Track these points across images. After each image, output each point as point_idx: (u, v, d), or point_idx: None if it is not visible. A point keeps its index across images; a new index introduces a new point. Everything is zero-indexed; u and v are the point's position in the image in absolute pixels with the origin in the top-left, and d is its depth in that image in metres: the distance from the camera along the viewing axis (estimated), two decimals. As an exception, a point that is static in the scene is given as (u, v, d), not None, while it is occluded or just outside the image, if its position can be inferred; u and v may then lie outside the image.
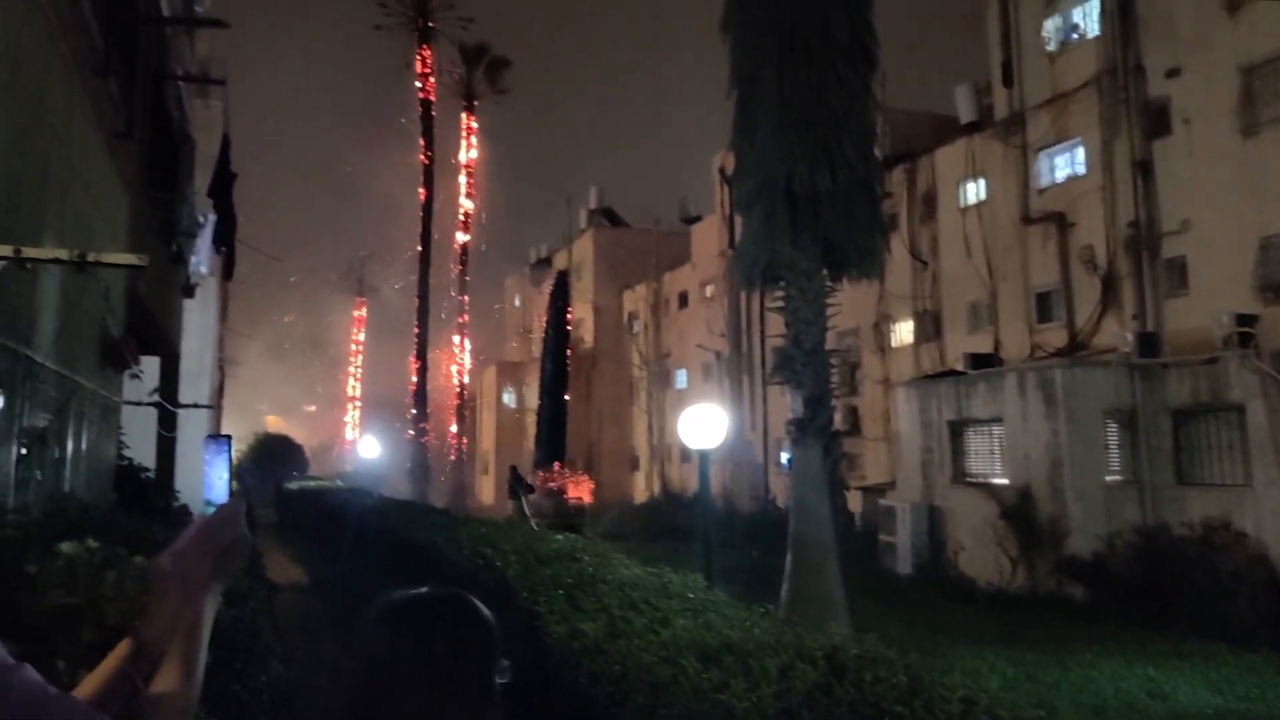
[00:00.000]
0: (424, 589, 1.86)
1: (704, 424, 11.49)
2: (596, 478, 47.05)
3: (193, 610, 1.55)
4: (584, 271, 50.08)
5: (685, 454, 40.70)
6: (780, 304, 14.99)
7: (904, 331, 29.43)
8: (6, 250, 4.47)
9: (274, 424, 67.87)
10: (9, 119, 5.84)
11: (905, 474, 22.94)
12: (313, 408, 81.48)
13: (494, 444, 54.20)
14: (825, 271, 14.80)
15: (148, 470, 12.94)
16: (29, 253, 4.74)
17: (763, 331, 34.02)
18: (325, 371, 74.35)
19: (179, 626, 1.51)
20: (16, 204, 6.08)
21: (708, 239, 41.51)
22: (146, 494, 12.03)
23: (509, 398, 55.27)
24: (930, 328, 28.26)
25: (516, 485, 25.66)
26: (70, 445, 8.50)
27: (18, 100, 6.08)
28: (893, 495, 23.21)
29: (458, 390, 46.75)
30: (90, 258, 5.13)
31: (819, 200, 14.26)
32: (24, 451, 6.29)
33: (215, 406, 29.72)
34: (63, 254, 5.00)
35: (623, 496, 41.98)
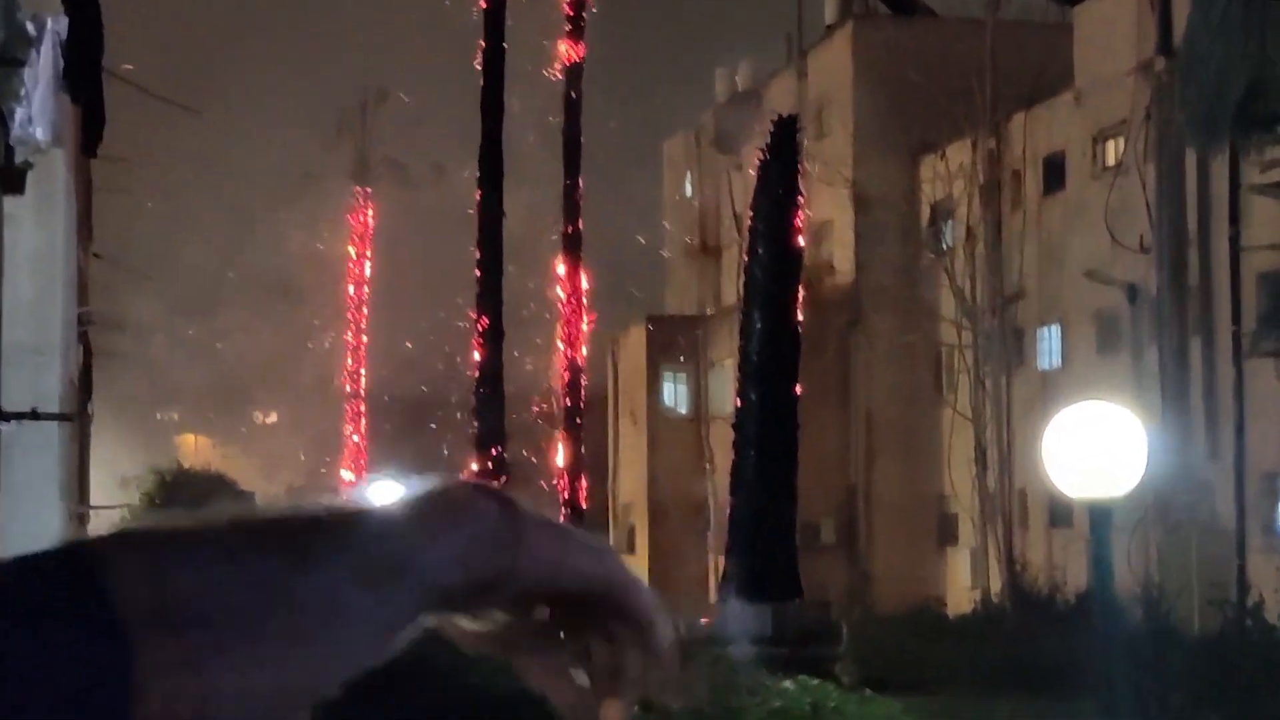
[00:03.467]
0: None
1: (1097, 446, 11.32)
2: (864, 557, 46.80)
3: None
4: (831, 116, 50.26)
5: (1056, 511, 40.48)
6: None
7: None
8: None
9: (194, 449, 69.69)
10: None
11: None
12: (272, 417, 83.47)
13: (644, 489, 54.48)
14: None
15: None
16: None
17: (1235, 243, 33.54)
18: (296, 343, 75.92)
19: None
20: None
21: (1107, 37, 40.96)
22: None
23: (673, 391, 55.49)
24: None
25: None
26: None
27: None
28: None
29: (565, 377, 46.90)
30: None
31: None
32: None
33: (76, 416, 30.37)
34: None
35: (920, 597, 41.77)
